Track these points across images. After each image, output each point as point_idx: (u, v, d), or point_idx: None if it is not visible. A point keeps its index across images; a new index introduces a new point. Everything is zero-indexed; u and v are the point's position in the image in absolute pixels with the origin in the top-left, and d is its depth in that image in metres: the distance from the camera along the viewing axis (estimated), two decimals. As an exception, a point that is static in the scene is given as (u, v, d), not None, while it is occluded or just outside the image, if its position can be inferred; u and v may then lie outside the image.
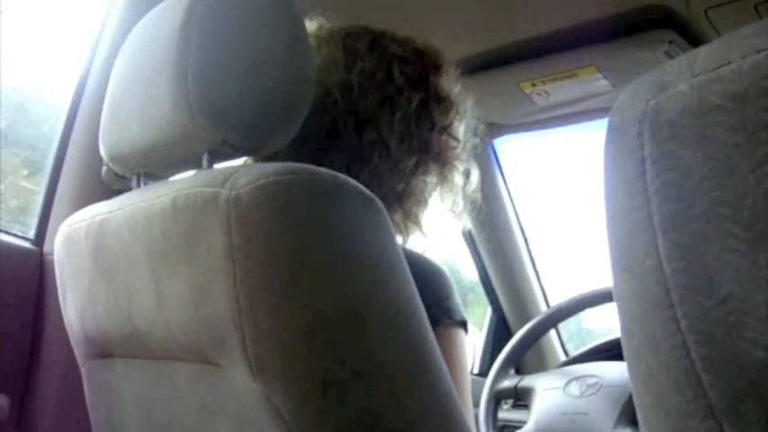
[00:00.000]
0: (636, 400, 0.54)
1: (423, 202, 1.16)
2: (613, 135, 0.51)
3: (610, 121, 0.52)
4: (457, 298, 1.04)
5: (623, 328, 0.54)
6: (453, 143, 1.17)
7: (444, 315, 1.01)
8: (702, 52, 0.46)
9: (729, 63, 0.43)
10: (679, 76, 0.46)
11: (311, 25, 1.14)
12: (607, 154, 0.52)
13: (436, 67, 1.17)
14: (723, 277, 0.44)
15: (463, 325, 1.04)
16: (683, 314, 0.46)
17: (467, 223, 1.26)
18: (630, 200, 0.49)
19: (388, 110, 1.11)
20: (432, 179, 1.16)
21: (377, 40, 1.16)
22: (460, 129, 1.19)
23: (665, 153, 0.46)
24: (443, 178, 1.17)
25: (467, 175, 1.22)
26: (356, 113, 1.08)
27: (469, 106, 1.21)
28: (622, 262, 0.52)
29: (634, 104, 0.49)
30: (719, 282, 0.44)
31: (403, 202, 1.13)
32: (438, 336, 0.92)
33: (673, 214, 0.46)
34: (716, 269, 0.44)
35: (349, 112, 1.10)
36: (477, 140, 1.24)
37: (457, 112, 1.18)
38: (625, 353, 0.54)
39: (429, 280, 0.99)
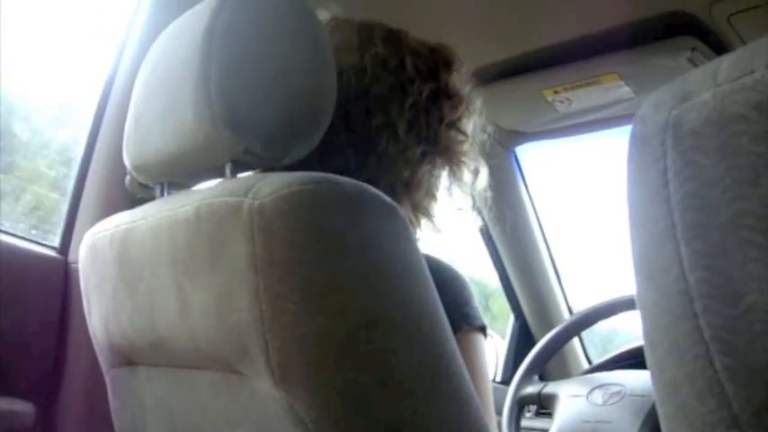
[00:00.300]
0: (659, 410, 0.54)
1: (431, 195, 1.16)
2: (636, 144, 0.51)
3: (632, 130, 0.52)
4: (475, 303, 1.05)
5: (646, 338, 0.54)
6: (461, 138, 1.17)
7: (464, 321, 1.01)
8: (725, 61, 0.45)
9: (752, 72, 0.42)
10: (702, 85, 0.46)
11: (324, 15, 1.14)
12: (630, 163, 0.52)
13: (447, 64, 1.18)
14: (747, 287, 0.43)
15: (483, 330, 1.04)
16: (706, 324, 0.46)
17: (477, 221, 1.27)
18: (653, 209, 0.49)
19: (398, 96, 1.12)
20: (439, 173, 1.17)
21: (392, 32, 1.17)
22: (469, 125, 1.19)
23: (687, 162, 0.46)
24: (452, 174, 1.18)
25: (476, 173, 1.22)
26: (367, 96, 1.08)
27: (479, 105, 1.21)
28: (645, 271, 0.52)
29: (657, 114, 0.49)
30: (743, 292, 0.44)
31: (411, 192, 1.13)
32: (458, 342, 0.92)
33: (696, 224, 0.46)
34: (739, 279, 0.44)
35: (360, 95, 1.11)
36: (485, 137, 1.24)
37: (467, 109, 1.18)
38: (648, 362, 0.54)
39: (448, 286, 0.99)
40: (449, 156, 1.16)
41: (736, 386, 0.45)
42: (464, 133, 1.18)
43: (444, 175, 1.18)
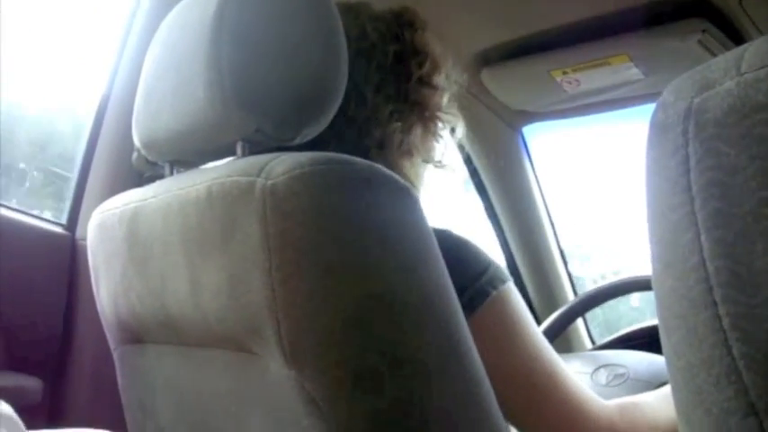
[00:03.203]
0: (675, 396, 0.54)
1: (406, 154, 1.15)
2: (657, 132, 0.51)
3: (653, 118, 0.51)
4: (489, 259, 1.02)
5: (662, 323, 0.54)
6: (431, 92, 1.17)
7: (490, 286, 0.99)
8: (749, 50, 0.45)
9: None
10: (725, 73, 0.46)
11: None
12: (650, 150, 0.52)
13: (410, 24, 1.17)
14: (767, 277, 0.43)
15: (507, 280, 1.02)
16: (725, 312, 0.46)
17: (458, 174, 1.28)
18: (674, 197, 0.49)
19: (363, 62, 1.10)
20: (415, 131, 1.16)
21: (350, 5, 1.16)
22: (440, 79, 1.18)
23: (709, 151, 0.46)
24: (426, 129, 1.17)
25: (452, 132, 1.23)
26: None
27: (449, 60, 1.20)
28: (664, 258, 0.52)
29: (678, 101, 0.49)
30: (763, 281, 0.44)
31: (385, 152, 1.12)
32: (493, 307, 0.95)
33: (717, 213, 0.46)
34: (760, 268, 0.44)
35: None
36: (457, 88, 1.23)
37: (434, 63, 1.17)
38: (664, 348, 0.54)
39: (460, 261, 0.96)
40: (420, 111, 1.16)
41: (754, 374, 0.45)
42: (434, 87, 1.17)
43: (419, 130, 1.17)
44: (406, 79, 1.14)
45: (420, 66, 1.16)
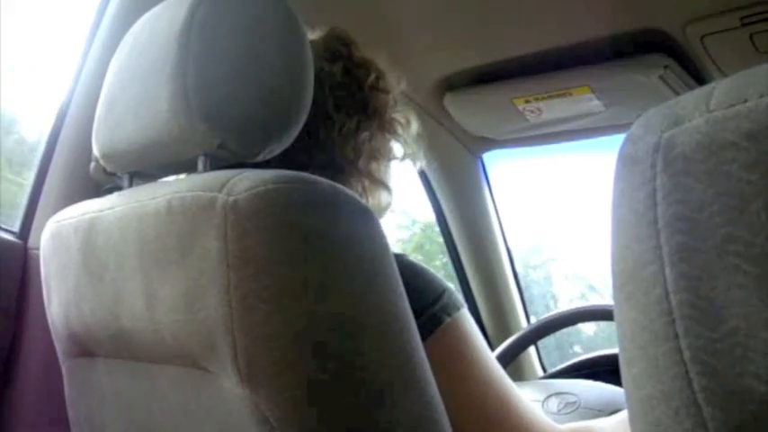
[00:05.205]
0: (633, 427, 0.54)
1: (374, 157, 1.19)
2: (625, 164, 0.52)
3: (621, 150, 0.52)
4: (446, 285, 1.03)
5: (623, 354, 0.54)
6: (384, 95, 1.21)
7: (444, 313, 1.00)
8: (718, 88, 0.46)
9: (745, 101, 0.43)
10: (694, 110, 0.46)
11: None
12: (617, 182, 0.53)
13: (342, 40, 1.21)
14: (729, 312, 0.44)
15: (462, 307, 1.03)
16: (686, 345, 0.47)
17: (422, 164, 1.34)
18: (640, 229, 0.49)
19: (316, 86, 1.10)
20: (379, 136, 1.20)
21: None
22: (386, 83, 1.22)
23: (677, 186, 0.47)
24: (386, 131, 1.21)
25: (407, 124, 1.26)
26: None
27: (383, 62, 1.25)
28: (627, 289, 0.52)
29: (647, 135, 0.49)
30: (726, 316, 0.44)
31: (357, 164, 1.16)
32: (446, 334, 0.96)
33: (682, 246, 0.46)
34: (723, 303, 0.44)
35: None
36: (403, 87, 1.29)
37: (377, 70, 1.22)
38: (624, 379, 0.55)
39: (416, 287, 0.96)
40: (380, 116, 1.20)
41: (712, 408, 0.46)
42: (385, 90, 1.22)
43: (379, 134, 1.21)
44: (358, 89, 1.18)
45: (367, 74, 1.20)
